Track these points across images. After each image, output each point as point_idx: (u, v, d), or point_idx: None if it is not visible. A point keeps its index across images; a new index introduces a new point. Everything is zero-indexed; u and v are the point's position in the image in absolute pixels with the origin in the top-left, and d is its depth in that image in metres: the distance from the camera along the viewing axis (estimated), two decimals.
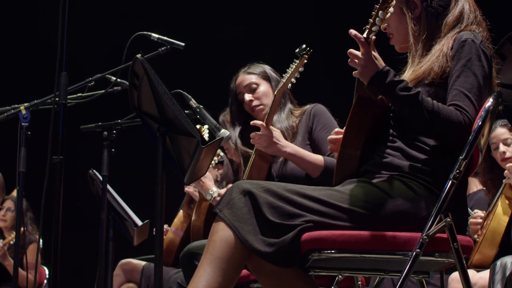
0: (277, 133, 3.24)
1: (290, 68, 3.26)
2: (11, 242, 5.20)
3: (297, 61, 3.23)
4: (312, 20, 6.27)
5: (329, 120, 3.36)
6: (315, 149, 3.31)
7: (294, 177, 3.25)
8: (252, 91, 3.47)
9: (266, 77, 3.51)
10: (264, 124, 3.23)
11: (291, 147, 3.23)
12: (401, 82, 2.30)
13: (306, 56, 3.23)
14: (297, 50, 3.24)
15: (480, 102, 2.32)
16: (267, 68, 3.55)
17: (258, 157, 3.37)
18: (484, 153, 3.65)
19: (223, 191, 3.63)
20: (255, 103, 3.44)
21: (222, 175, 4.22)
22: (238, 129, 3.51)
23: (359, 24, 2.35)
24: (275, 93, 3.31)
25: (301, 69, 3.25)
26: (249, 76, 3.50)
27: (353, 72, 2.35)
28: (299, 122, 3.42)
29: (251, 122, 3.27)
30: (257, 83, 3.48)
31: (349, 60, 2.33)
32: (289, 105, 3.46)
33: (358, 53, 2.31)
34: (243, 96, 3.48)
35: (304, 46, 3.24)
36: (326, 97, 3.75)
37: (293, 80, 3.27)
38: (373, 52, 2.31)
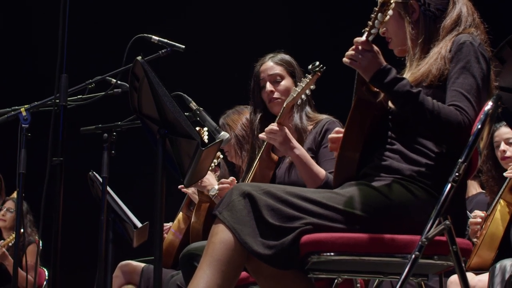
0: (289, 133, 3.23)
1: (301, 83, 3.20)
2: (10, 244, 5.21)
3: (310, 77, 3.19)
4: (314, 21, 6.27)
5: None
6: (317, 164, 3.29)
7: (295, 186, 3.21)
8: (275, 82, 3.42)
9: (292, 72, 3.45)
10: (278, 124, 3.20)
11: (300, 150, 3.20)
12: (403, 79, 2.31)
13: (319, 74, 3.17)
14: (310, 67, 3.17)
15: (479, 104, 2.32)
16: (293, 62, 3.49)
17: (262, 163, 3.36)
18: (489, 152, 3.68)
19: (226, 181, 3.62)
20: (275, 95, 3.40)
21: (219, 177, 4.22)
22: (258, 116, 3.47)
23: (362, 23, 2.36)
24: (284, 105, 3.28)
25: (313, 86, 3.21)
26: (276, 66, 3.45)
27: (344, 59, 2.34)
28: (310, 130, 3.39)
29: (265, 130, 3.24)
30: (282, 76, 3.44)
31: (351, 53, 2.32)
32: (307, 108, 3.42)
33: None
34: (264, 83, 3.43)
35: (317, 63, 3.17)
36: (327, 98, 3.75)
37: (303, 96, 3.23)
38: (375, 47, 2.32)
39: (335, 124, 3.35)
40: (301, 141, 3.29)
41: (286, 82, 3.43)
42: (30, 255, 5.19)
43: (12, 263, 5.08)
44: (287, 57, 3.51)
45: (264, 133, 3.23)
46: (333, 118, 3.40)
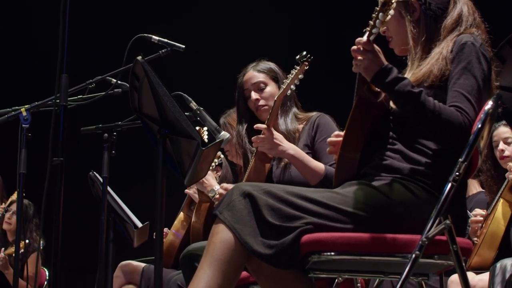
0: (279, 135, 3.24)
1: (290, 75, 3.22)
2: (14, 255, 5.15)
3: (298, 68, 3.21)
4: (315, 21, 6.27)
5: (332, 131, 3.31)
6: (315, 160, 3.30)
7: (293, 184, 3.22)
8: (260, 90, 3.45)
9: (274, 77, 3.48)
10: (266, 126, 3.22)
11: (293, 149, 3.22)
12: (404, 79, 2.31)
13: (307, 63, 3.18)
14: (297, 57, 3.21)
15: (480, 104, 2.32)
16: (275, 67, 3.52)
17: (258, 160, 3.37)
18: (488, 152, 3.69)
19: (228, 186, 3.62)
20: (261, 102, 3.42)
21: (221, 177, 4.23)
22: (245, 126, 3.50)
23: (362, 23, 2.36)
24: (275, 99, 3.30)
25: (301, 76, 3.23)
26: (258, 74, 3.48)
27: (353, 68, 2.34)
28: (302, 128, 3.40)
29: (255, 126, 3.25)
30: (265, 82, 3.46)
31: (352, 51, 2.32)
32: (294, 109, 3.44)
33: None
34: (249, 93, 3.46)
35: (304, 53, 3.19)
36: (327, 98, 3.75)
37: (292, 87, 3.24)
38: (376, 47, 2.32)
39: (325, 118, 3.38)
40: (290, 141, 3.30)
41: (270, 88, 3.46)
42: (32, 264, 5.13)
43: (12, 272, 5.05)
44: (269, 64, 3.54)
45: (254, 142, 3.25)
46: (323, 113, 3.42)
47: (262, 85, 3.46)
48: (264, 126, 3.22)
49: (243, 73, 3.53)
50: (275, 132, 3.23)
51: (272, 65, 3.53)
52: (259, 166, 3.38)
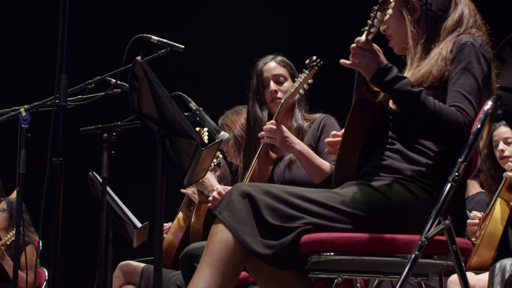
0: (287, 131, 3.24)
1: (299, 78, 3.22)
2: (8, 243, 5.19)
3: (307, 72, 3.20)
4: (315, 21, 6.27)
5: None
6: None
7: (294, 184, 3.21)
8: (279, 83, 3.46)
9: (293, 75, 3.49)
10: (275, 122, 3.21)
11: (301, 145, 3.21)
12: (404, 78, 2.31)
13: (316, 68, 3.18)
14: (307, 62, 3.19)
15: (480, 104, 2.32)
16: (292, 65, 3.54)
17: (260, 161, 3.36)
18: (488, 151, 3.69)
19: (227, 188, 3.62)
20: (279, 95, 3.42)
21: (219, 177, 4.23)
22: (266, 111, 3.47)
23: (361, 23, 2.36)
24: (282, 101, 3.29)
25: (310, 81, 3.22)
26: (280, 67, 3.49)
27: (341, 61, 2.34)
28: (307, 128, 3.40)
29: (263, 128, 3.24)
30: (286, 77, 3.48)
31: (351, 55, 2.33)
32: (302, 108, 3.45)
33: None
34: (269, 82, 3.46)
35: (314, 57, 3.19)
36: (327, 98, 3.75)
37: (301, 91, 3.24)
38: (375, 46, 2.32)
39: (331, 119, 3.38)
40: (300, 139, 3.30)
41: (288, 84, 3.46)
42: (28, 255, 5.17)
43: (10, 263, 5.08)
44: (287, 60, 3.55)
45: (263, 132, 3.23)
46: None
47: (282, 78, 3.47)
48: (272, 121, 3.21)
49: (264, 62, 3.52)
50: (284, 128, 3.23)
51: (290, 61, 3.54)
52: (261, 168, 3.37)
